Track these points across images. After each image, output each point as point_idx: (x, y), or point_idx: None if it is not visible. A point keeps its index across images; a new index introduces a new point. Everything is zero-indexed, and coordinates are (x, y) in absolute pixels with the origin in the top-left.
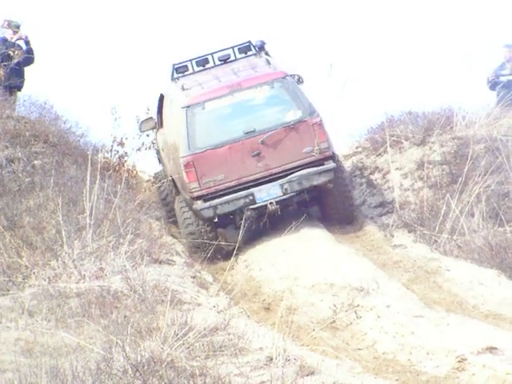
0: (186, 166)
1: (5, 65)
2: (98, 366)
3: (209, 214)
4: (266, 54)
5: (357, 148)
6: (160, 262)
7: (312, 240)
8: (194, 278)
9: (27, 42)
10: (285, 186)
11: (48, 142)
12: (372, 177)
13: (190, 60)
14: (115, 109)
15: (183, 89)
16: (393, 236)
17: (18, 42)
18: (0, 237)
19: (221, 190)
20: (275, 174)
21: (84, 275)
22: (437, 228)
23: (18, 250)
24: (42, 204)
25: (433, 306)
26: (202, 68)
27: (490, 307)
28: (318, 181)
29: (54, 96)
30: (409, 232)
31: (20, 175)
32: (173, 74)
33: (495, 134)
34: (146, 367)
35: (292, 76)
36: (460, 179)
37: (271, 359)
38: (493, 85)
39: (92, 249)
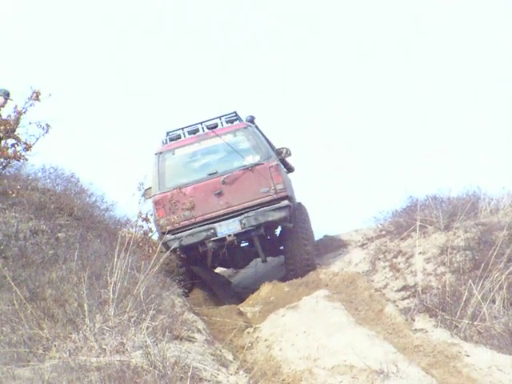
0: (156, 203)
1: None
2: None
3: (175, 245)
4: (256, 127)
5: (381, 231)
6: (181, 339)
7: (333, 321)
8: (214, 355)
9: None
10: (243, 221)
11: (73, 215)
12: (395, 260)
13: (182, 128)
14: (142, 184)
15: (163, 143)
16: (414, 320)
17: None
18: (22, 308)
19: (187, 226)
20: (235, 211)
21: (105, 349)
22: (458, 313)
23: (40, 322)
24: (65, 277)
25: None
26: (192, 136)
27: None
28: (273, 217)
29: (80, 168)
30: (430, 316)
31: (44, 247)
32: (166, 141)
33: None
34: None
35: (280, 149)
36: (483, 265)
37: None
38: None
39: (114, 323)
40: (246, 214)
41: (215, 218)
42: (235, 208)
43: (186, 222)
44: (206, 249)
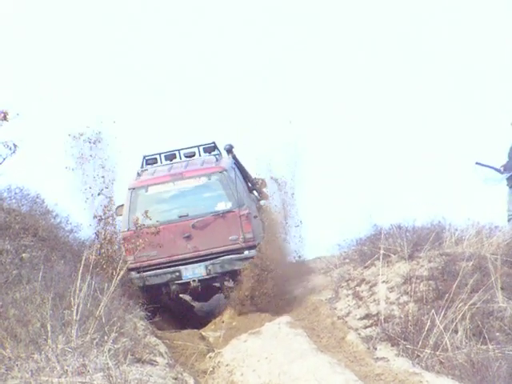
0: (125, 239)
1: None
2: None
3: (139, 283)
4: (233, 157)
5: (344, 259)
6: (143, 362)
7: (295, 348)
8: (175, 379)
9: None
10: (209, 267)
11: (37, 235)
12: (358, 288)
13: (160, 153)
14: (108, 207)
15: (138, 175)
16: (376, 348)
17: None
18: None
19: (153, 265)
20: (202, 255)
21: (67, 370)
22: (420, 343)
23: (2, 342)
24: (29, 297)
25: None
26: (169, 162)
27: None
28: (240, 266)
29: (45, 189)
30: (392, 345)
31: (8, 267)
32: (142, 165)
33: (483, 251)
34: None
35: (256, 179)
36: (446, 296)
37: None
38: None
39: (76, 344)
40: (212, 261)
41: (181, 260)
42: (202, 253)
43: (152, 262)
44: (170, 291)
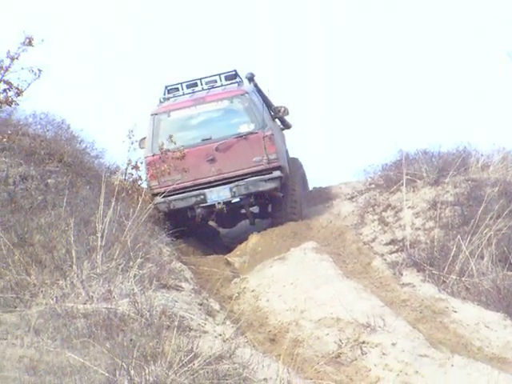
0: (148, 165)
1: None
2: None
3: (164, 208)
4: (255, 85)
5: (370, 184)
6: (168, 288)
7: (320, 273)
8: (201, 305)
9: None
10: (233, 190)
11: (62, 161)
12: (384, 214)
13: (181, 83)
14: (132, 132)
15: (160, 102)
16: (401, 274)
17: None
18: (9, 254)
19: (177, 189)
20: (226, 178)
21: (92, 296)
22: (446, 269)
23: (27, 268)
24: (54, 223)
25: (438, 347)
26: (191, 90)
27: (495, 350)
28: (264, 187)
29: (71, 115)
30: (418, 271)
31: (33, 193)
32: (164, 94)
33: (509, 177)
34: None
35: (278, 108)
36: (472, 221)
37: None
38: None
39: (101, 270)
40: (236, 183)
41: (206, 183)
42: (226, 175)
43: (177, 186)
44: (195, 214)
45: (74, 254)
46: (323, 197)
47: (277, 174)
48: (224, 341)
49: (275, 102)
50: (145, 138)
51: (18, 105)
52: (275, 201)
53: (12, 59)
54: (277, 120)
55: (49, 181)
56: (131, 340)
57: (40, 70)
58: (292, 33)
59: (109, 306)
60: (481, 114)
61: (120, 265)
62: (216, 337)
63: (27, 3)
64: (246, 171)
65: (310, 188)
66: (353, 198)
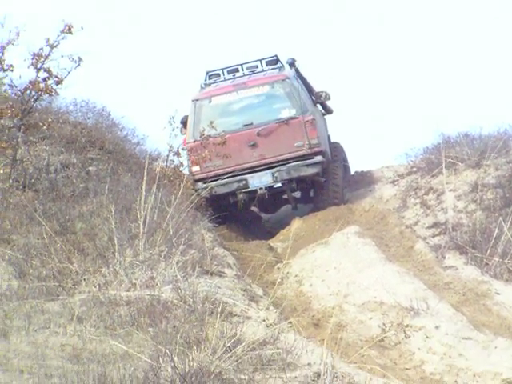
0: (190, 151)
1: None
2: (145, 375)
3: (206, 194)
4: (296, 70)
5: (412, 168)
6: (211, 274)
7: (363, 257)
8: (244, 290)
9: None
10: (275, 175)
11: (103, 148)
12: (426, 197)
13: (222, 69)
14: (173, 118)
15: (202, 88)
16: (444, 257)
17: None
18: (51, 242)
19: (219, 175)
20: (268, 163)
21: (135, 284)
22: (488, 251)
23: (69, 256)
24: (95, 210)
25: (481, 329)
26: (232, 76)
27: None
28: (306, 172)
29: (112, 102)
30: (460, 254)
31: (74, 181)
32: (205, 80)
33: None
34: (193, 378)
35: (320, 93)
36: None
37: (319, 375)
38: None
39: (144, 257)
40: (278, 168)
41: (248, 169)
42: (268, 160)
43: (219, 172)
44: (237, 200)
45: (116, 242)
46: (365, 181)
47: (318, 158)
48: (267, 326)
49: (316, 87)
50: (186, 116)
51: (58, 93)
52: (317, 186)
53: (51, 47)
54: (318, 105)
55: (90, 168)
56: (174, 327)
57: (80, 59)
58: (328, 22)
59: (152, 293)
60: None
61: (162, 251)
62: (259, 322)
63: None
64: (287, 156)
65: (352, 172)
66: (394, 181)
